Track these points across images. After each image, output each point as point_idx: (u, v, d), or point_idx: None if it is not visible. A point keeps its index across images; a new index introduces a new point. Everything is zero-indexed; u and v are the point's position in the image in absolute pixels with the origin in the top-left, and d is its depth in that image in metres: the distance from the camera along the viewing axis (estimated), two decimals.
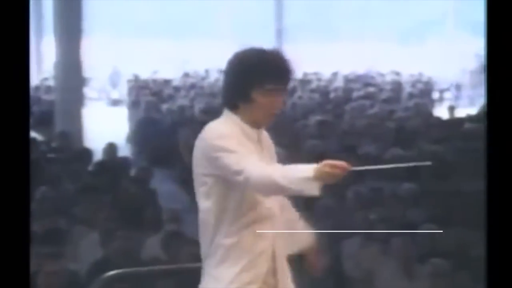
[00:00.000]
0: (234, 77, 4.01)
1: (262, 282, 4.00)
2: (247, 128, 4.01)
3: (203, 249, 4.07)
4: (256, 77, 3.94)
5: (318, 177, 3.61)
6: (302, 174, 3.64)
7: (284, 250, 4.10)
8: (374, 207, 8.36)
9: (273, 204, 4.03)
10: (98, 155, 11.17)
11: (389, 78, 24.82)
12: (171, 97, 19.84)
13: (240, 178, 3.78)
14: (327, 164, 3.61)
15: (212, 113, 7.63)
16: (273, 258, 4.03)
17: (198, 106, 16.91)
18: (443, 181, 9.46)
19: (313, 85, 22.56)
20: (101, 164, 10.56)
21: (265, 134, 4.14)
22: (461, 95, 27.64)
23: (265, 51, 4.00)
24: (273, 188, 3.75)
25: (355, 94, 20.52)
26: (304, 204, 4.47)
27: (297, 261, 4.28)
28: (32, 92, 17.23)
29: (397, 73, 25.28)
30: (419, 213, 8.37)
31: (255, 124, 4.04)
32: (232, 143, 3.88)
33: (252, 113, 4.00)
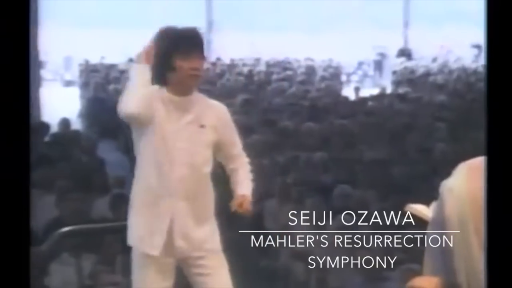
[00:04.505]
0: (159, 52, 4.05)
1: None
2: (171, 96, 3.99)
3: None
4: (173, 44, 4.00)
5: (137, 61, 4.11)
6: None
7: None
8: (291, 172, 8.40)
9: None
10: (53, 128, 11.04)
11: (304, 63, 24.90)
12: (116, 79, 19.62)
13: None
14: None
15: None
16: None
17: None
18: (350, 150, 9.54)
19: (239, 69, 22.52)
20: (56, 136, 10.46)
21: (196, 100, 4.07)
22: (365, 78, 27.90)
23: (175, 27, 4.12)
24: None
25: (275, 77, 20.56)
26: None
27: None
28: None
29: (311, 59, 25.37)
30: (330, 177, 8.44)
31: (181, 92, 4.00)
32: None
33: (176, 79, 3.98)
